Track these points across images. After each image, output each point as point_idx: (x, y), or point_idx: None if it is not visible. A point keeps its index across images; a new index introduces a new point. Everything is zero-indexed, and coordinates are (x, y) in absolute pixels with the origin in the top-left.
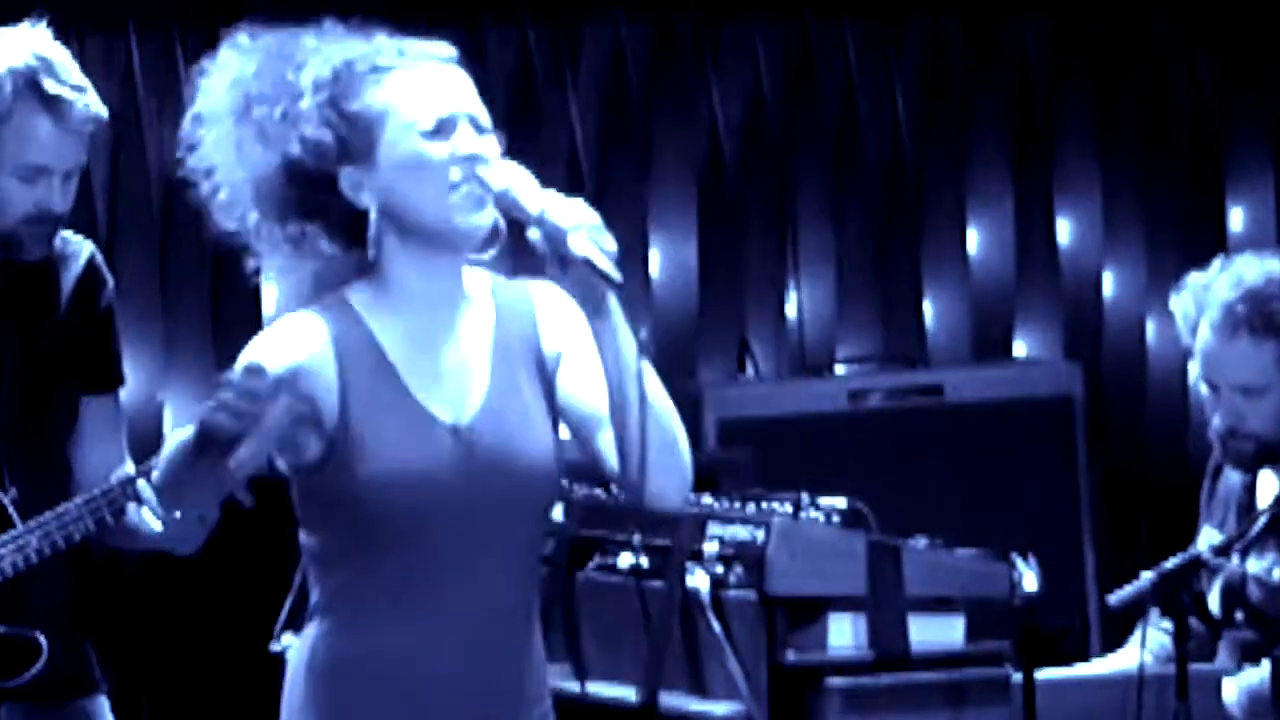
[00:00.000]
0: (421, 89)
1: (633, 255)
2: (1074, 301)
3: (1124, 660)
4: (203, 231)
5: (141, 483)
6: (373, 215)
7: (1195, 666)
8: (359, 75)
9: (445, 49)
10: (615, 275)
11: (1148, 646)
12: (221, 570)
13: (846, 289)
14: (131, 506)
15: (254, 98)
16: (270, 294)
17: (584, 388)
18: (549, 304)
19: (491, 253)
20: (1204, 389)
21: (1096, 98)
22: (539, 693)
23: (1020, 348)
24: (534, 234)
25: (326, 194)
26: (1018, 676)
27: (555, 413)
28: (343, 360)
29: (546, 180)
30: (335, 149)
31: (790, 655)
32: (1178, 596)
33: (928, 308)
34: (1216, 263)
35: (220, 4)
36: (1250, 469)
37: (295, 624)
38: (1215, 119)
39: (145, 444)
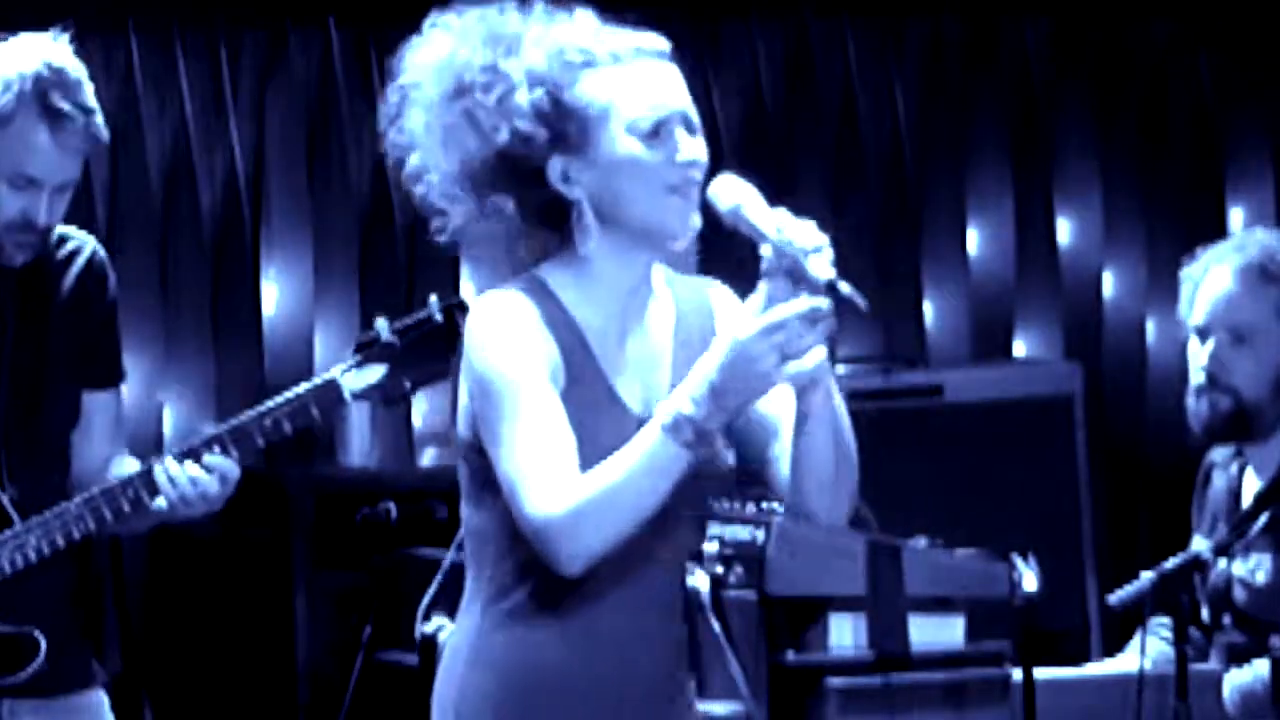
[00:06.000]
0: (637, 87)
1: None
2: (1074, 301)
3: (1123, 666)
4: (202, 231)
5: (159, 469)
6: (584, 206)
7: (1195, 666)
8: (573, 66)
9: (661, 42)
10: (860, 300)
11: (1149, 655)
12: (221, 568)
13: None
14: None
15: (465, 85)
16: (270, 294)
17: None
18: (727, 305)
19: (683, 244)
20: (1194, 347)
21: (1096, 98)
22: (688, 675)
23: (1020, 348)
24: (766, 251)
25: (530, 180)
26: (1018, 676)
27: None
28: (557, 340)
29: None
30: (546, 141)
31: (790, 655)
32: (1177, 597)
33: (928, 308)
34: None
35: (220, 4)
36: (1222, 435)
37: (440, 605)
38: (1215, 119)
39: (145, 444)
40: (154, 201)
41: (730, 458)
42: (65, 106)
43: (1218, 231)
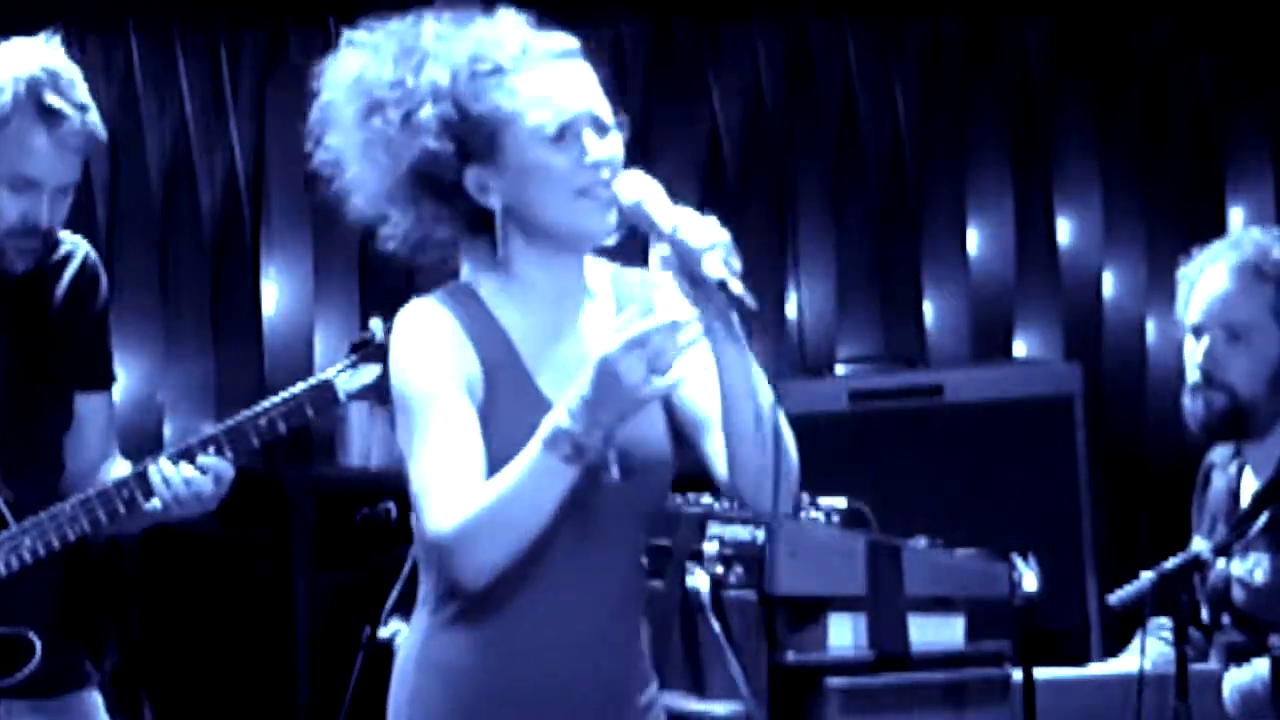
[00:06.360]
0: (544, 92)
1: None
2: (1074, 301)
3: (1123, 666)
4: (202, 231)
5: (153, 469)
6: (498, 214)
7: (1195, 666)
8: (480, 76)
9: (568, 41)
10: (750, 300)
11: (1149, 655)
12: (221, 568)
13: (846, 289)
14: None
15: (375, 104)
16: (270, 294)
17: (698, 389)
18: (668, 300)
19: (614, 239)
20: (1190, 345)
21: (1096, 98)
22: (646, 678)
23: (1020, 348)
24: (663, 250)
25: (451, 191)
26: (1018, 676)
27: (669, 408)
28: (478, 348)
29: None
30: (456, 156)
31: (790, 655)
32: (1177, 597)
33: (928, 308)
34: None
35: (220, 4)
36: (1218, 433)
37: (401, 609)
38: (1215, 119)
39: (145, 443)
40: (154, 201)
41: (617, 471)
42: (61, 105)
43: (1218, 231)
